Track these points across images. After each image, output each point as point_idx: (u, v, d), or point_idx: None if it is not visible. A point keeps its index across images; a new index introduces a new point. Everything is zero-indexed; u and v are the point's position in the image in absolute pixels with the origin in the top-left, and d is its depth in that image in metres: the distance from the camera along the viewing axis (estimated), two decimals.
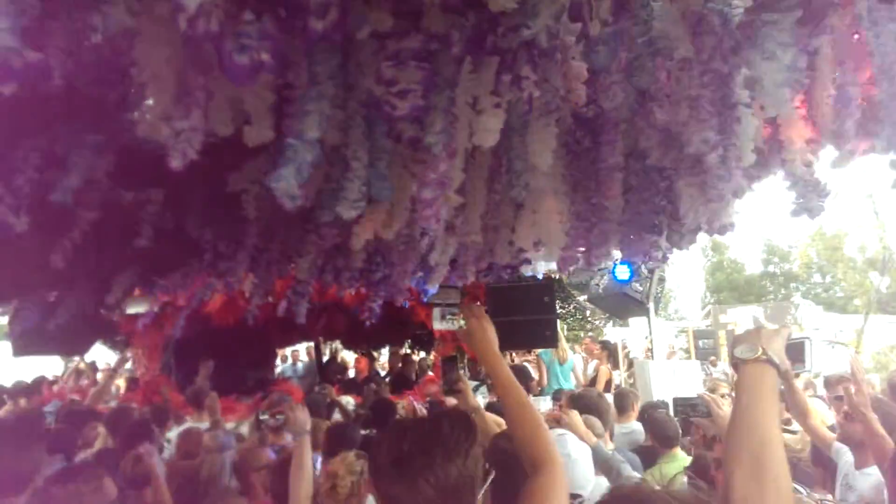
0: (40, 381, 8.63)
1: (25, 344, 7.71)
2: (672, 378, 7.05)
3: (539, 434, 1.52)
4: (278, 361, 11.46)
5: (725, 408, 3.46)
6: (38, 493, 1.96)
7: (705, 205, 2.13)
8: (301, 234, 3.05)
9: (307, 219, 2.96)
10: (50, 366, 9.98)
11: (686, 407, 3.37)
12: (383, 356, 13.11)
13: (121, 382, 8.70)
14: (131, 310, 6.93)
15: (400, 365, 10.60)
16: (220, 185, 2.83)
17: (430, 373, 10.17)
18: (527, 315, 6.55)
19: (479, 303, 8.94)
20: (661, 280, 8.31)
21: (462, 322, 1.85)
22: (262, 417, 5.00)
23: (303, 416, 2.52)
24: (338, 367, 10.69)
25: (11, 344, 7.69)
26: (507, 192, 2.06)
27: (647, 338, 11.19)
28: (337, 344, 13.10)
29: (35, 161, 1.85)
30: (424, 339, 11.56)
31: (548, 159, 1.84)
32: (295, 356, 11.87)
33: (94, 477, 2.02)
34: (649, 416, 4.00)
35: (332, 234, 2.83)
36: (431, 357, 11.66)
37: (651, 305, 7.58)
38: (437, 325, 1.92)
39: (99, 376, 8.80)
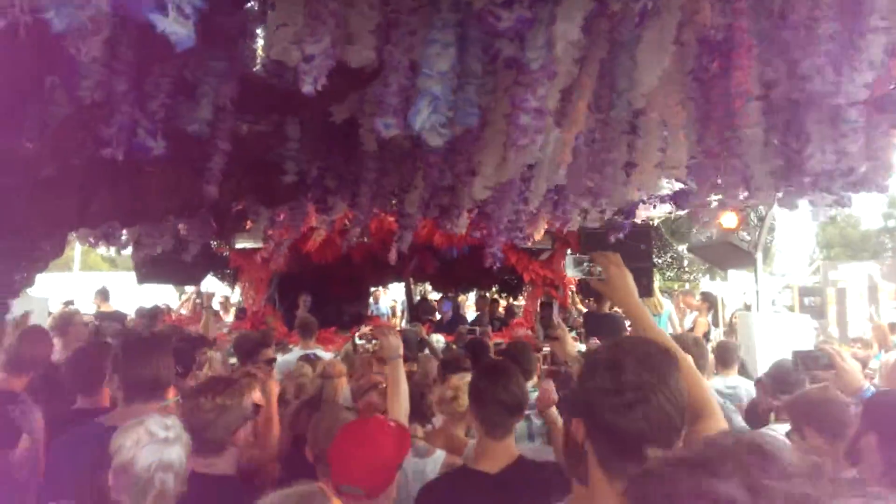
0: (158, 309, 9.44)
1: (147, 274, 8.44)
2: (779, 333, 6.66)
3: (696, 382, 1.47)
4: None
5: (850, 362, 3.22)
6: (187, 400, 2.07)
7: (833, 142, 1.93)
8: (411, 168, 3.07)
9: (414, 154, 2.98)
10: (166, 295, 10.84)
11: (806, 360, 3.11)
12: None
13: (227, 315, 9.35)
14: (240, 245, 7.39)
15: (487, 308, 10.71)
16: (327, 118, 2.89)
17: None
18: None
19: (570, 248, 8.81)
20: (771, 229, 7.79)
21: (598, 270, 1.78)
22: (357, 342, 5.24)
23: (396, 341, 2.61)
24: (429, 308, 10.93)
25: (136, 273, 8.44)
26: (609, 114, 1.95)
27: (745, 293, 10.63)
28: (426, 286, 13.43)
29: (166, 87, 1.94)
30: (513, 284, 11.59)
31: (653, 78, 1.71)
32: (377, 295, 12.24)
33: (237, 392, 2.10)
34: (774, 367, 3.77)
35: (438, 168, 2.82)
36: (521, 300, 11.70)
37: (759, 256, 7.15)
38: (571, 273, 1.86)
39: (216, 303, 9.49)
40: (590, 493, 1.24)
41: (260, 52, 2.98)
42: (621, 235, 4.06)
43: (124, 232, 3.97)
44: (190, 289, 10.32)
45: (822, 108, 1.79)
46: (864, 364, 5.03)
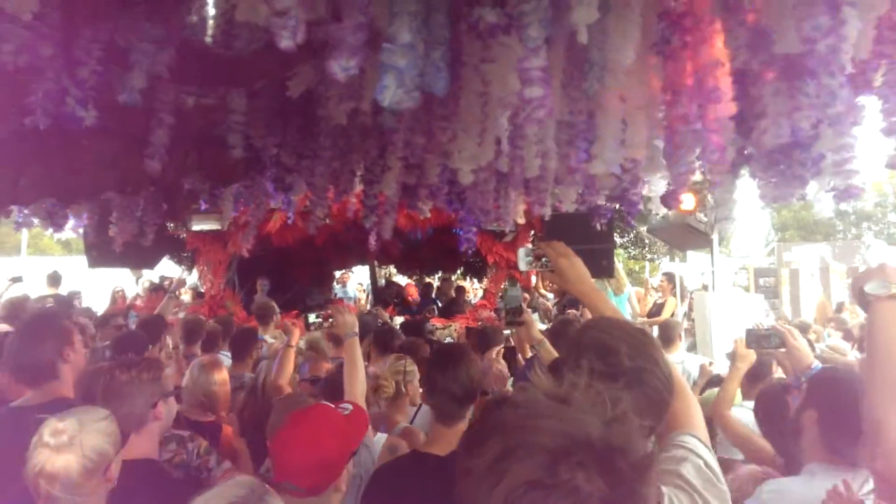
0: (116, 293, 9.21)
1: (98, 257, 8.14)
2: (733, 312, 6.83)
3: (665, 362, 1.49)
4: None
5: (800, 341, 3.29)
6: (103, 373, 2.02)
7: (788, 115, 1.91)
8: (377, 146, 2.98)
9: (382, 131, 2.89)
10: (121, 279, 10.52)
11: (759, 339, 3.17)
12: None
13: (186, 297, 9.15)
14: (197, 227, 7.17)
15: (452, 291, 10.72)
16: (282, 91, 2.77)
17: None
18: (582, 244, 6.37)
19: (533, 231, 8.83)
20: (718, 220, 7.95)
21: (547, 263, 1.76)
22: (312, 321, 5.20)
23: (351, 319, 2.57)
24: (394, 291, 10.87)
25: (87, 257, 8.15)
26: (582, 88, 1.90)
27: (703, 273, 10.88)
28: (391, 269, 13.35)
29: (97, 53, 1.82)
30: (477, 267, 11.61)
31: (628, 54, 1.67)
32: (344, 279, 12.13)
33: (154, 367, 2.08)
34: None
35: (406, 146, 2.73)
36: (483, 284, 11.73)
37: (715, 237, 7.28)
38: (523, 266, 1.83)
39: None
40: None
41: (210, 21, 2.85)
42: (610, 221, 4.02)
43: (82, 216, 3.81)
44: (148, 273, 10.04)
45: (782, 80, 1.77)
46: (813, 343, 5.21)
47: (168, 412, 2.13)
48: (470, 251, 8.47)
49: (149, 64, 1.81)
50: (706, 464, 1.29)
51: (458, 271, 12.22)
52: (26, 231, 10.89)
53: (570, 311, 6.89)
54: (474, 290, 12.92)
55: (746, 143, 2.16)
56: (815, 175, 2.09)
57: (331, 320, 3.61)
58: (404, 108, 1.64)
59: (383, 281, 12.54)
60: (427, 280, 11.75)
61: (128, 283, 10.44)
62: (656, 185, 2.95)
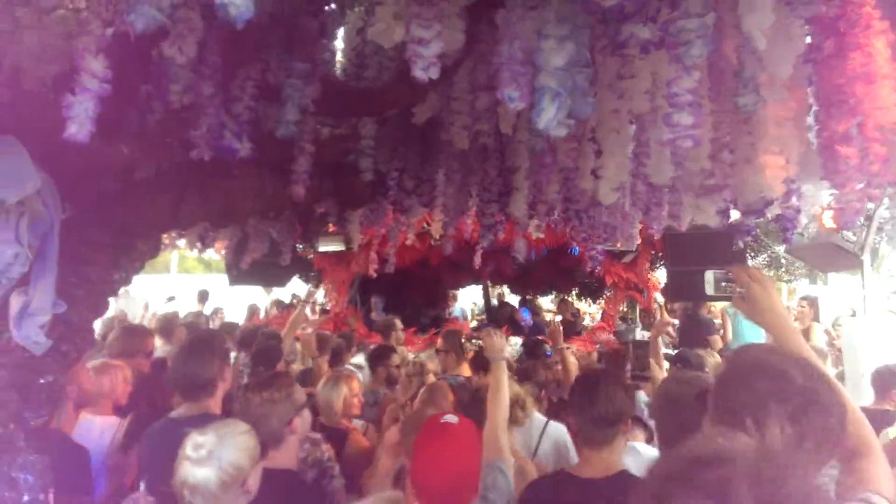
0: (253, 309, 9.97)
1: (238, 276, 8.84)
2: (889, 340, 6.10)
3: (857, 417, 1.36)
4: None
5: None
6: (237, 397, 2.14)
7: None
8: (497, 168, 3.01)
9: (502, 151, 2.91)
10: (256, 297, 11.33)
11: None
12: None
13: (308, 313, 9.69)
14: (323, 248, 7.59)
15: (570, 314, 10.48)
16: (406, 118, 2.87)
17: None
18: (708, 265, 5.99)
19: (654, 250, 8.45)
20: (880, 229, 7.16)
21: (740, 289, 1.65)
22: (438, 346, 5.29)
23: (500, 342, 2.54)
24: (508, 312, 10.82)
25: (227, 275, 8.87)
26: (734, 102, 1.78)
27: (850, 298, 9.81)
28: (504, 289, 13.31)
29: (251, 90, 1.98)
30: (593, 288, 11.28)
31: (788, 67, 1.55)
32: (451, 299, 12.22)
33: (285, 385, 2.16)
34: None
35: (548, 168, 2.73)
36: (600, 305, 11.37)
37: (866, 258, 6.57)
38: (711, 291, 1.73)
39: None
40: None
41: (339, 56, 3.03)
42: (748, 239, 3.75)
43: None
44: (278, 290, 10.75)
45: None
46: None
47: (303, 423, 2.22)
48: (583, 270, 8.27)
49: (299, 98, 1.94)
50: None
51: (574, 292, 11.93)
52: (176, 252, 12.06)
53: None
54: (591, 313, 12.56)
55: None
56: None
57: (476, 341, 3.64)
58: (556, 135, 1.62)
59: (496, 301, 12.52)
60: (568, 299, 11.58)
61: (261, 300, 11.22)
62: (811, 201, 2.70)
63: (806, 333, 7.00)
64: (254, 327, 6.67)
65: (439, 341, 5.03)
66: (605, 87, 1.84)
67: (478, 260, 4.77)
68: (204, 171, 2.12)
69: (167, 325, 5.35)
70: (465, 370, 4.64)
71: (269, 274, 8.61)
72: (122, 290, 2.97)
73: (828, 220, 6.26)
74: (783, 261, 9.77)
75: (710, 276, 1.68)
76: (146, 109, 1.94)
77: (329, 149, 2.66)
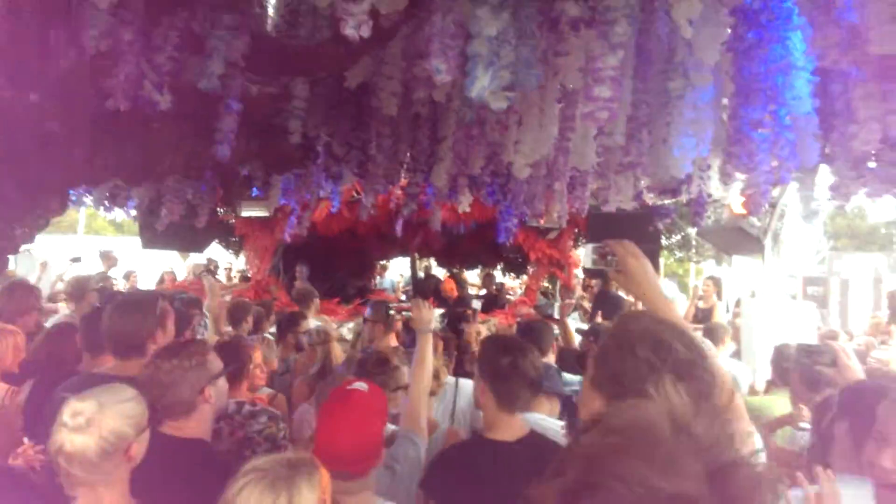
0: (166, 274, 9.52)
1: (152, 239, 8.40)
2: (782, 320, 6.61)
3: (723, 382, 1.46)
4: None
5: (853, 359, 3.20)
6: (147, 365, 2.05)
7: (880, 119, 1.83)
8: (429, 138, 2.98)
9: (435, 121, 2.90)
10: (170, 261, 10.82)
11: (812, 354, 3.11)
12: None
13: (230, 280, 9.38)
14: (246, 213, 7.33)
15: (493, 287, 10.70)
16: (339, 82, 2.80)
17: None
18: None
19: (576, 228, 8.73)
20: (782, 215, 7.69)
21: (613, 262, 1.70)
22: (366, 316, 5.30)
23: (428, 314, 2.55)
24: (433, 284, 10.91)
25: (140, 238, 8.41)
26: (663, 85, 1.85)
27: (750, 280, 10.55)
28: (431, 261, 13.40)
29: (174, 40, 1.86)
30: (517, 263, 11.55)
31: (714, 54, 1.62)
32: (380, 270, 12.20)
33: (198, 352, 2.08)
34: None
35: (472, 140, 2.73)
36: (524, 280, 11.66)
37: (768, 242, 7.07)
38: (589, 264, 1.77)
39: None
40: None
41: (271, 13, 2.89)
42: (670, 221, 3.93)
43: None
44: (195, 256, 10.32)
45: (873, 81, 1.69)
46: (864, 357, 5.03)
47: (218, 393, 2.14)
48: (508, 245, 8.46)
49: (225, 51, 1.84)
50: None
51: (499, 267, 12.17)
52: (84, 210, 11.31)
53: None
54: (513, 288, 12.86)
55: (827, 142, 2.08)
56: None
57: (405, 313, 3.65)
58: (497, 106, 1.63)
59: (422, 273, 12.60)
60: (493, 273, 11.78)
61: (176, 265, 10.75)
62: (719, 187, 2.86)
63: (709, 311, 7.48)
64: (172, 292, 6.38)
65: (367, 311, 5.02)
66: (534, 66, 1.87)
67: (399, 229, 4.77)
68: (120, 125, 1.98)
69: (79, 289, 5.02)
70: (392, 340, 4.65)
71: (185, 238, 8.25)
72: (22, 249, 2.76)
73: (736, 206, 6.68)
74: (693, 242, 10.34)
75: (588, 249, 1.74)
76: (59, 55, 1.78)
77: (257, 108, 2.55)
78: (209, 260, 10.41)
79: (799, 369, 3.35)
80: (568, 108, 2.30)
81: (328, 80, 2.96)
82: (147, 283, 9.36)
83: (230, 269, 11.04)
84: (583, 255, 2.18)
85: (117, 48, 1.76)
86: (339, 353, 3.79)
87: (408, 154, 3.53)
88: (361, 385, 1.88)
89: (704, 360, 1.19)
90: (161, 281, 9.37)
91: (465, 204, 4.35)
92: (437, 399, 3.15)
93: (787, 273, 16.61)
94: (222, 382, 2.21)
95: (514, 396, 2.13)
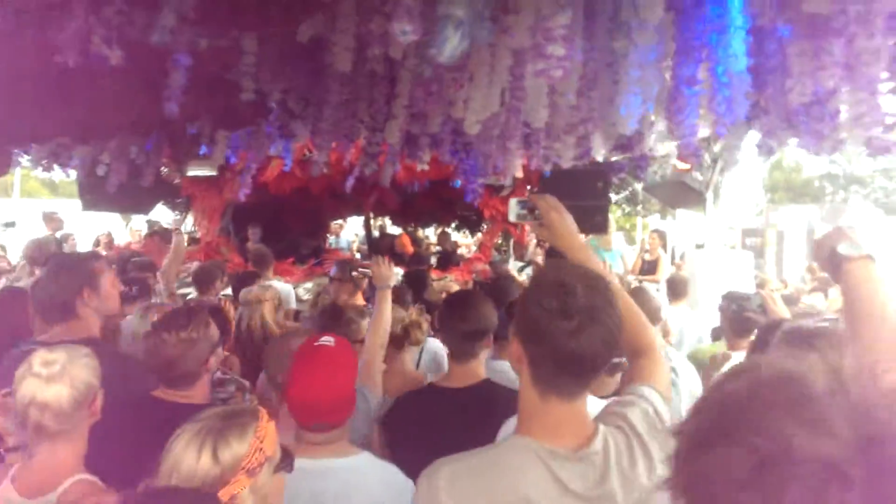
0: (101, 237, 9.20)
1: (93, 200, 8.08)
2: (723, 270, 6.95)
3: (640, 322, 1.52)
4: None
5: (780, 305, 3.45)
6: (149, 336, 2.01)
7: (812, 75, 1.95)
8: (386, 95, 2.97)
9: (392, 79, 2.89)
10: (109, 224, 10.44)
11: (741, 301, 3.35)
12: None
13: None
14: (193, 172, 7.12)
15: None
16: (292, 36, 2.74)
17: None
18: (578, 200, 6.41)
19: (529, 185, 8.86)
20: (723, 170, 8.00)
21: (538, 215, 1.74)
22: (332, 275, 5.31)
23: (387, 272, 2.60)
24: (388, 242, 10.93)
25: (81, 200, 8.07)
26: (610, 44, 1.91)
27: (695, 233, 11.02)
28: (386, 220, 13.37)
29: None
30: (472, 220, 11.66)
31: (658, 12, 1.68)
32: (336, 230, 12.12)
33: (202, 323, 2.04)
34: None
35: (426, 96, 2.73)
36: (478, 238, 11.81)
37: (710, 195, 7.36)
38: (513, 218, 1.79)
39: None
40: (525, 412, 1.29)
41: None
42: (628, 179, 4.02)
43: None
44: (138, 217, 10.00)
45: (806, 39, 1.79)
46: (795, 302, 5.37)
47: (217, 360, 2.14)
48: (463, 202, 8.51)
49: (176, 2, 1.80)
50: (655, 411, 1.34)
51: (453, 224, 12.26)
52: (19, 172, 10.74)
53: None
54: (467, 244, 13.00)
55: (761, 97, 2.20)
56: (833, 130, 2.14)
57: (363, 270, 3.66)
58: (447, 61, 1.65)
59: (377, 232, 12.57)
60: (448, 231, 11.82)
61: (114, 228, 10.39)
62: (664, 144, 2.99)
63: (655, 263, 7.79)
64: (126, 255, 6.21)
65: (333, 270, 5.03)
66: (487, 20, 1.90)
67: (349, 186, 4.76)
68: (68, 80, 1.92)
69: (40, 252, 4.81)
70: (359, 299, 4.70)
71: (129, 199, 7.96)
72: None
73: (680, 162, 6.92)
74: (640, 198, 10.66)
75: (513, 203, 1.75)
76: (3, 8, 1.70)
77: (205, 63, 2.49)
78: (150, 222, 10.10)
79: (729, 316, 3.59)
80: (517, 67, 2.34)
81: (281, 34, 2.90)
82: (86, 247, 9.03)
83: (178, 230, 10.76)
84: (509, 209, 2.24)
85: (65, 2, 1.70)
86: (271, 315, 3.76)
87: (364, 113, 3.50)
88: (328, 339, 1.90)
89: (609, 303, 1.23)
90: (97, 244, 9.04)
91: (424, 161, 4.35)
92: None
93: (727, 225, 17.37)
94: (220, 350, 2.21)
95: (462, 346, 2.24)
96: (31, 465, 1.65)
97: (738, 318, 3.49)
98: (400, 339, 2.89)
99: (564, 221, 1.66)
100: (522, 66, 2.23)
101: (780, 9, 1.75)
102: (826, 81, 1.75)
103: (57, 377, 1.61)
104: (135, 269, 4.54)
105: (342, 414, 1.79)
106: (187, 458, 1.28)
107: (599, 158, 3.82)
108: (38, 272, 4.70)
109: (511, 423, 1.66)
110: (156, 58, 2.12)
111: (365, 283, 5.46)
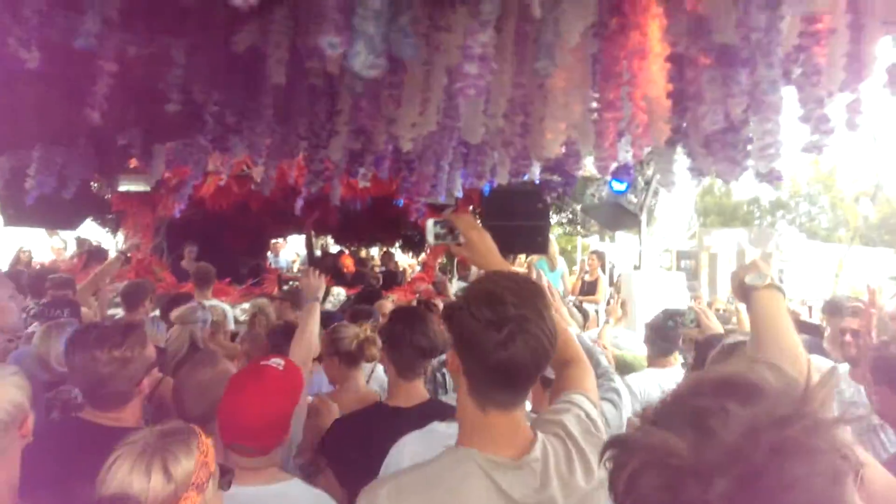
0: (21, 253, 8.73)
1: (15, 216, 7.64)
2: (657, 291, 7.19)
3: (566, 335, 1.58)
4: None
5: (713, 320, 3.61)
6: (76, 352, 1.90)
7: (723, 102, 2.07)
8: (326, 110, 2.96)
9: (331, 94, 2.88)
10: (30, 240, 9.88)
11: (676, 317, 3.50)
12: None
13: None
14: (124, 187, 6.86)
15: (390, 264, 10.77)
16: (229, 46, 2.70)
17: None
18: (520, 220, 6.54)
19: (472, 206, 8.96)
20: (656, 193, 8.33)
21: (458, 235, 1.75)
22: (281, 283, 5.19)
23: (317, 283, 2.57)
24: (330, 262, 10.81)
25: (2, 215, 7.62)
26: (532, 66, 1.97)
27: (634, 255, 11.37)
28: (328, 239, 13.22)
29: None
30: (415, 240, 11.68)
31: (576, 35, 1.76)
32: (277, 248, 11.92)
33: (139, 341, 1.96)
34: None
35: (364, 112, 2.73)
36: (421, 258, 11.83)
37: (644, 217, 7.64)
38: (432, 240, 1.78)
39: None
40: (466, 424, 1.30)
41: None
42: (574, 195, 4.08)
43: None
44: (65, 234, 9.51)
45: (717, 68, 1.91)
46: (727, 321, 5.62)
47: (151, 382, 2.08)
48: (407, 222, 8.50)
49: (100, 6, 1.75)
50: (587, 415, 1.39)
51: (397, 244, 12.25)
52: None
53: None
54: (410, 265, 13.01)
55: (681, 122, 2.32)
56: (745, 158, 2.27)
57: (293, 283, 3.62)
58: (372, 75, 1.67)
59: (319, 252, 12.41)
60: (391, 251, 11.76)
61: (36, 244, 9.82)
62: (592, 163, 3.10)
63: (594, 283, 7.98)
64: (42, 271, 5.90)
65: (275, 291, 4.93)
66: (420, 36, 1.93)
67: (299, 206, 4.70)
68: None
69: None
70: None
71: (55, 214, 7.57)
72: None
73: (615, 184, 7.17)
74: (579, 220, 10.95)
75: (430, 224, 1.76)
76: None
77: (134, 71, 2.42)
78: (80, 239, 9.64)
79: (662, 330, 3.72)
80: (450, 85, 2.38)
81: (216, 43, 2.84)
82: (3, 264, 8.51)
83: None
84: (427, 230, 2.25)
85: None
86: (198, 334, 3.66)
87: (305, 129, 3.47)
88: (277, 361, 1.87)
89: (538, 314, 1.25)
90: (17, 261, 8.54)
91: (365, 179, 4.33)
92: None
93: (662, 247, 18.00)
94: (155, 371, 2.13)
95: (408, 364, 2.23)
96: None
97: (672, 333, 3.63)
98: (354, 357, 2.84)
99: (485, 240, 1.69)
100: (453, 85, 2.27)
101: (694, 37, 1.86)
102: (735, 108, 1.86)
103: None
104: (53, 287, 4.31)
105: (269, 439, 1.73)
106: (136, 481, 1.24)
107: (534, 178, 3.91)
108: None
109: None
110: (79, 62, 2.05)
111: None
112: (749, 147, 2.32)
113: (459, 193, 5.15)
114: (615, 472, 0.68)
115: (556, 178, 3.46)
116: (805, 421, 0.62)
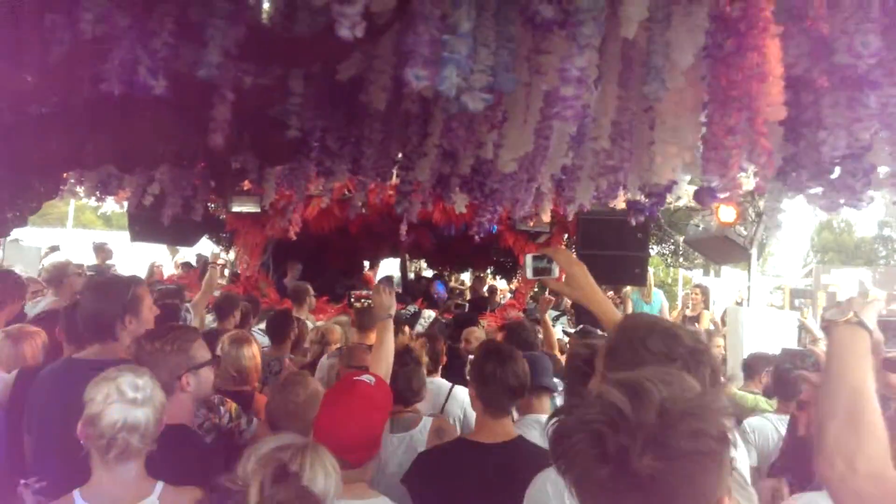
0: (155, 267, 9.49)
1: (141, 232, 8.36)
2: (766, 329, 6.69)
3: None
4: None
5: None
6: (132, 345, 2.13)
7: (846, 126, 1.89)
8: (419, 133, 3.03)
9: (423, 118, 2.95)
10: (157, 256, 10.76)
11: (795, 358, 3.23)
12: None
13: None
14: (237, 208, 7.35)
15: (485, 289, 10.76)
16: (332, 75, 2.83)
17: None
18: (616, 250, 6.32)
19: (567, 233, 8.78)
20: (767, 228, 7.79)
21: (556, 271, 1.76)
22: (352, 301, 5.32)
23: (388, 300, 2.60)
24: (423, 285, 10.96)
25: (129, 231, 8.37)
26: (639, 90, 1.91)
27: (739, 291, 10.68)
28: (421, 263, 13.45)
29: (170, 25, 1.90)
30: (507, 267, 11.61)
31: (689, 56, 1.68)
32: (368, 276, 12.23)
33: (181, 338, 2.12)
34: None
35: (456, 136, 2.78)
36: (514, 284, 11.73)
37: (754, 251, 7.16)
38: (530, 275, 1.81)
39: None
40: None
41: (266, 6, 2.93)
42: (643, 218, 3.96)
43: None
44: (185, 250, 10.29)
45: (841, 90, 1.76)
46: None
47: (198, 383, 2.16)
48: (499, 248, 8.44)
49: (221, 39, 1.89)
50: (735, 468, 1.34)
51: (489, 270, 12.23)
52: (73, 203, 11.25)
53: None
54: (502, 290, 12.93)
55: (796, 151, 2.15)
56: (866, 186, 2.06)
57: (365, 300, 3.71)
58: (474, 108, 1.69)
59: (413, 275, 12.63)
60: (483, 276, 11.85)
61: (163, 259, 10.70)
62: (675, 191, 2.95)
63: (697, 318, 7.55)
64: (155, 283, 6.38)
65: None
66: (521, 59, 1.92)
67: (404, 230, 4.78)
68: (113, 110, 2.02)
69: (56, 274, 4.98)
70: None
71: (176, 232, 8.21)
72: (10, 239, 2.78)
73: (723, 215, 6.77)
74: (682, 252, 10.45)
75: (528, 259, 1.78)
76: (53, 39, 1.82)
77: (250, 99, 2.58)
78: (199, 255, 10.41)
79: (777, 373, 3.43)
80: (546, 108, 2.36)
81: (322, 72, 3.00)
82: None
83: (224, 265, 11.08)
84: (525, 265, 2.23)
85: (112, 33, 1.80)
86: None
87: (399, 152, 3.56)
88: (369, 378, 1.94)
89: (708, 350, 1.27)
90: (151, 274, 9.33)
91: (460, 204, 4.37)
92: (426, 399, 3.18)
93: (774, 285, 16.78)
94: (206, 372, 2.23)
95: (496, 402, 2.20)
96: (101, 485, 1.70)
97: (788, 377, 3.34)
98: None
99: (587, 276, 1.70)
100: (550, 107, 2.24)
101: (815, 59, 1.72)
102: (862, 134, 1.69)
103: (146, 401, 1.71)
104: (161, 297, 4.63)
105: (359, 454, 1.76)
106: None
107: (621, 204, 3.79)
108: (49, 293, 4.86)
109: (540, 478, 1.63)
110: (200, 91, 2.21)
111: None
112: (870, 175, 2.11)
113: (545, 217, 5.04)
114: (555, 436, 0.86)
115: (643, 199, 3.31)
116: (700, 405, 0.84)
